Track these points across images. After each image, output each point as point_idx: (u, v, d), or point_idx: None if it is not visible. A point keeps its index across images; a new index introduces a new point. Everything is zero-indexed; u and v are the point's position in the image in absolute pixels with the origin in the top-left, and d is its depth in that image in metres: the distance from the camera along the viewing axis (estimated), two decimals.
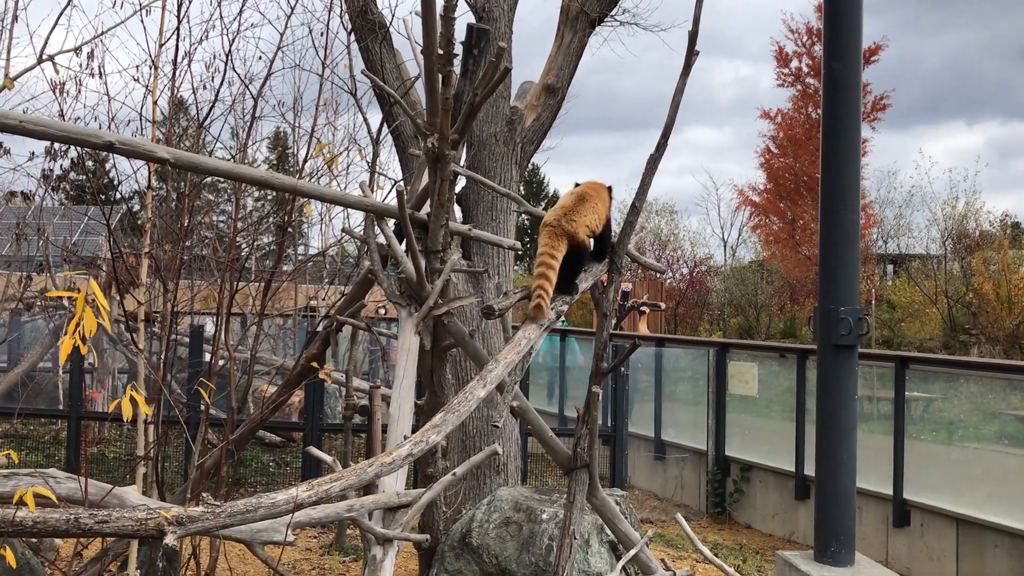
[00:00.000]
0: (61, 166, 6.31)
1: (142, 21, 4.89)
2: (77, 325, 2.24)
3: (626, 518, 5.84)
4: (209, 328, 11.10)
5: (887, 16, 62.51)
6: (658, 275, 31.97)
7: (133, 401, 2.36)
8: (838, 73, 5.70)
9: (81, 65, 5.96)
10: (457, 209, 8.19)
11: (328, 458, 3.49)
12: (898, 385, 8.32)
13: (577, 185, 4.31)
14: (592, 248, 4.10)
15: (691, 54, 4.08)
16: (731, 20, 71.54)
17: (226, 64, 5.03)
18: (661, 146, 4.19)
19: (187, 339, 10.36)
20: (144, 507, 2.37)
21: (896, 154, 77.88)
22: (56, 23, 5.94)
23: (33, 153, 6.29)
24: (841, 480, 5.57)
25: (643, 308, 26.12)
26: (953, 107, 70.69)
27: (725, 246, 35.51)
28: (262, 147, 19.07)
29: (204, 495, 4.95)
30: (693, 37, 4.05)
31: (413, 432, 3.24)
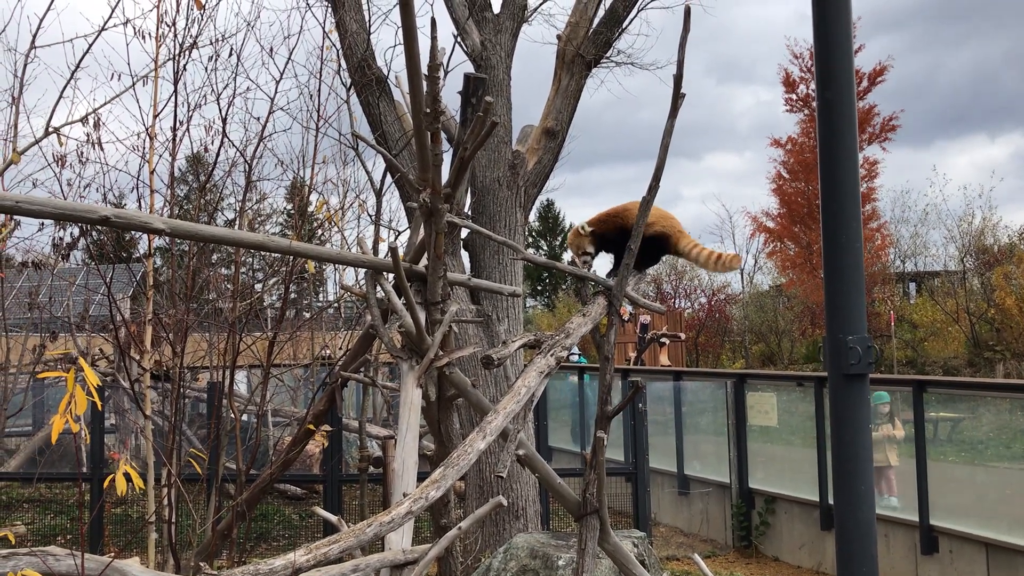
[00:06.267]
0: (71, 234, 6.43)
1: (135, 94, 5.00)
2: (68, 404, 2.27)
3: (645, 560, 5.79)
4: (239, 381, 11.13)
5: (906, 31, 62.17)
6: (676, 306, 31.88)
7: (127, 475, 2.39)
8: (831, 102, 5.72)
9: (89, 136, 6.11)
10: (465, 255, 8.25)
11: (333, 517, 3.49)
12: (917, 410, 8.22)
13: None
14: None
15: (677, 96, 4.10)
16: (747, 46, 71.73)
17: (224, 132, 5.13)
18: (653, 188, 4.21)
19: (205, 395, 10.41)
20: None
21: (917, 171, 76.88)
22: (61, 96, 6.08)
23: (43, 224, 6.40)
24: (861, 511, 5.50)
25: (663, 340, 26.05)
26: (975, 120, 69.35)
27: (742, 273, 35.40)
28: (278, 197, 19.27)
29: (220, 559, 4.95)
30: (678, 80, 4.08)
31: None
